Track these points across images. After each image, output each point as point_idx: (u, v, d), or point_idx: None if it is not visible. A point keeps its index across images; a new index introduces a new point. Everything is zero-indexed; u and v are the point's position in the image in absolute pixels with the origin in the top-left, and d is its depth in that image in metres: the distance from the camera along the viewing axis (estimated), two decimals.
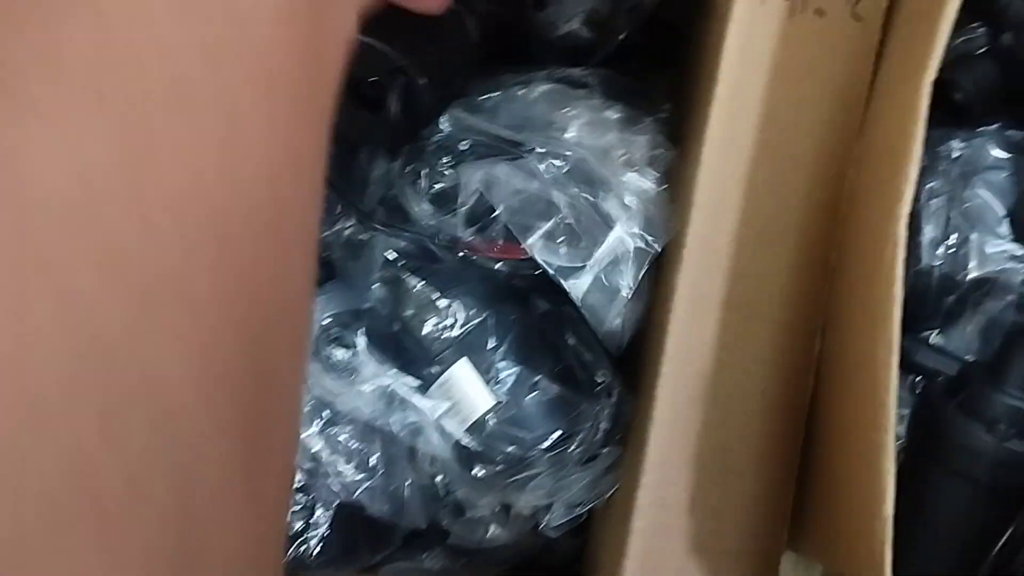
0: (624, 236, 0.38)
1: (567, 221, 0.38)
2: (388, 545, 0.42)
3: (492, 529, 0.42)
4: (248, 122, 0.19)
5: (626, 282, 0.39)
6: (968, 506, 0.36)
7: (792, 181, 0.43)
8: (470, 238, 0.39)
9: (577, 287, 0.38)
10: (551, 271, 0.39)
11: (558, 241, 0.38)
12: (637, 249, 0.39)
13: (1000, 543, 0.35)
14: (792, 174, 0.43)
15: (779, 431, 0.42)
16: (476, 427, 0.39)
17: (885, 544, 0.35)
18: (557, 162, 0.39)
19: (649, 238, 0.39)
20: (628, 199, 0.39)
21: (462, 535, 0.42)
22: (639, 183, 0.39)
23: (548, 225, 0.38)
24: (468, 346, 0.40)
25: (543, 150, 0.39)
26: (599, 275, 0.38)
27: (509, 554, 0.43)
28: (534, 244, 0.38)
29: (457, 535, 0.42)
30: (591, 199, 0.39)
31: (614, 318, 0.39)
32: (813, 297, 0.43)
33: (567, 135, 0.40)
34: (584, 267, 0.38)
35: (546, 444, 0.39)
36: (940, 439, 0.37)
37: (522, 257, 0.39)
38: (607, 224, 0.38)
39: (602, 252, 0.38)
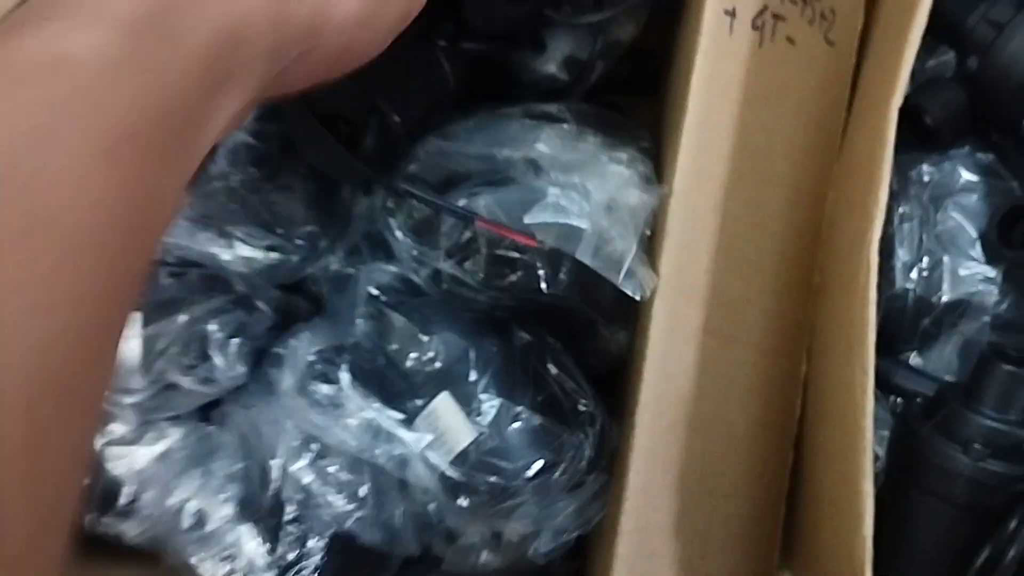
0: (617, 191, 0.39)
1: (557, 202, 0.39)
2: (383, 573, 0.43)
3: (484, 555, 0.42)
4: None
5: (629, 232, 0.39)
6: (947, 525, 0.37)
7: (769, 206, 0.44)
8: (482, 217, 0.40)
9: (582, 250, 0.39)
10: (551, 242, 0.39)
11: (552, 215, 0.39)
12: (633, 201, 0.40)
13: (978, 561, 0.36)
14: (769, 199, 0.44)
15: (766, 453, 0.42)
16: (460, 458, 0.40)
17: (865, 562, 0.36)
18: (533, 159, 0.40)
19: (642, 192, 0.40)
20: (613, 168, 0.40)
21: (455, 562, 0.42)
22: (620, 164, 0.41)
23: (537, 208, 0.39)
24: (451, 379, 0.41)
25: (518, 155, 0.40)
26: (600, 232, 0.39)
27: None
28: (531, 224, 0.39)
29: (450, 562, 0.43)
30: (572, 179, 0.40)
31: (626, 269, 0.39)
32: (796, 320, 0.43)
33: (540, 146, 0.41)
34: (583, 229, 0.39)
35: (530, 473, 0.39)
36: (918, 459, 0.37)
37: (534, 244, 0.40)
38: (593, 190, 0.39)
39: (596, 209, 0.39)
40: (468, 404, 0.41)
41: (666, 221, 0.41)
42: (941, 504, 0.37)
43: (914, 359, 0.41)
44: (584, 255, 0.39)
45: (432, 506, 0.41)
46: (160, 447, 0.45)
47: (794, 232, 0.44)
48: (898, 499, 0.38)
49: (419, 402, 0.41)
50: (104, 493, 0.44)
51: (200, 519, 0.43)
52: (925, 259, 0.40)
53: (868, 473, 0.36)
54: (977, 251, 0.40)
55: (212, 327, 0.43)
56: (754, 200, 0.44)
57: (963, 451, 0.36)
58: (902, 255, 0.40)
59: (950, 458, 0.36)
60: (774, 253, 0.44)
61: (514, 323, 0.42)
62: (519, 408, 0.40)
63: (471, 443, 0.40)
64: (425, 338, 0.42)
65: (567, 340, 0.43)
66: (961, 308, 0.40)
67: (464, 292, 0.42)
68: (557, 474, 0.40)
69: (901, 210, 0.41)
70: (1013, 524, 0.35)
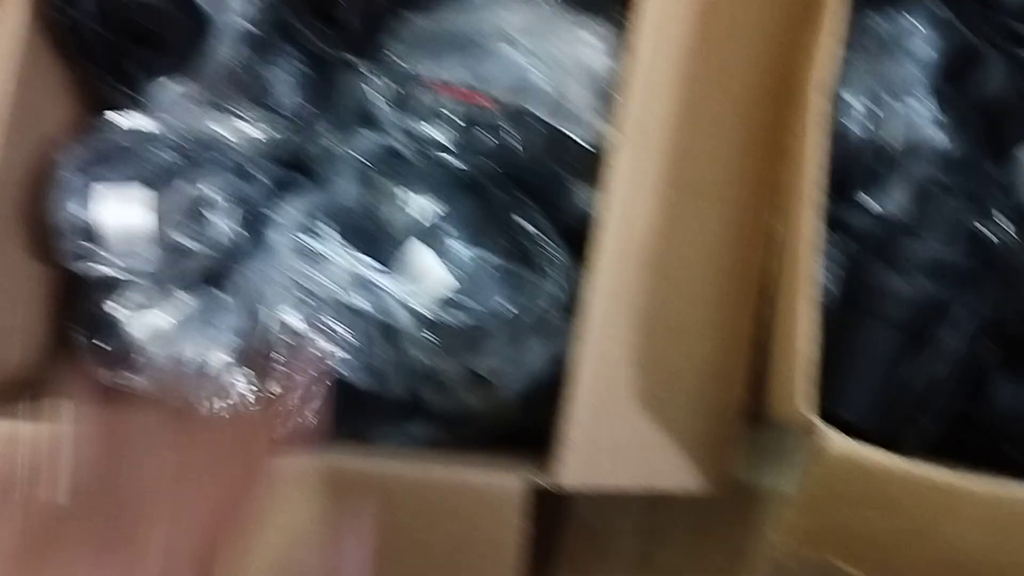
0: (581, 56, 0.42)
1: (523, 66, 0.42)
2: (373, 413, 0.46)
3: (465, 396, 0.45)
4: None
5: (590, 92, 0.42)
6: (888, 345, 0.39)
7: (735, 70, 0.46)
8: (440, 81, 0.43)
9: (545, 109, 0.42)
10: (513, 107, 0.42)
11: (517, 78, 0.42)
12: (596, 64, 0.42)
13: (913, 376, 0.38)
14: (735, 64, 0.46)
15: (730, 298, 0.45)
16: (437, 302, 0.43)
17: (810, 375, 0.38)
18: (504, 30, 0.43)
19: (606, 56, 0.42)
20: (579, 35, 0.42)
21: (438, 403, 0.46)
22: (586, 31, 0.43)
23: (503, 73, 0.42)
24: (431, 232, 0.44)
25: (491, 27, 0.43)
26: (562, 92, 0.42)
27: (491, 422, 0.47)
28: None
29: (436, 404, 0.46)
30: (540, 45, 0.42)
31: (585, 124, 0.42)
32: (761, 176, 0.45)
33: (511, 16, 0.44)
34: (546, 90, 0.42)
35: (499, 312, 0.43)
36: (864, 288, 0.40)
37: (486, 104, 0.42)
38: (559, 55, 0.42)
39: (560, 72, 0.41)
40: (445, 253, 0.44)
41: (630, 81, 0.43)
42: (885, 326, 0.39)
43: (865, 200, 0.43)
44: (546, 113, 0.42)
45: (413, 348, 0.44)
46: (170, 309, 0.49)
47: (761, 95, 0.46)
48: (847, 327, 0.40)
49: (401, 254, 0.44)
50: (120, 352, 0.49)
51: (203, 367, 0.47)
52: (878, 106, 0.42)
53: (814, 298, 0.38)
54: (928, 97, 0.42)
55: (213, 193, 0.47)
56: (719, 64, 0.45)
57: (904, 277, 0.38)
58: (855, 102, 0.42)
59: (891, 282, 0.38)
60: (740, 113, 0.46)
61: (489, 183, 0.45)
62: (490, 255, 0.43)
63: (447, 287, 0.43)
64: (407, 197, 0.45)
65: (539, 197, 0.46)
66: (911, 151, 0.42)
67: (444, 157, 0.45)
68: (525, 314, 0.43)
69: (855, 60, 0.42)
70: (945, 340, 0.37)
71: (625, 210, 0.43)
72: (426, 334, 0.44)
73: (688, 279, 0.44)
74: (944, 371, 0.37)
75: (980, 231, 0.38)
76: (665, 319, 0.43)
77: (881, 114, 0.42)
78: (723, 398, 0.45)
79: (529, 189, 0.45)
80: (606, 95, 0.44)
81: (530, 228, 0.44)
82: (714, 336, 0.44)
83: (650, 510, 0.58)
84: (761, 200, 0.46)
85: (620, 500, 0.57)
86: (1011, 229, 0.38)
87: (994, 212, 0.39)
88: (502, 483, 0.39)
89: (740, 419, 0.45)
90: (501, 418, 0.46)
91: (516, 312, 0.43)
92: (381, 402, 0.46)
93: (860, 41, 0.43)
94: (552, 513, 0.56)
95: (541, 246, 0.44)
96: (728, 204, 0.45)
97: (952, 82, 0.42)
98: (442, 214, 0.44)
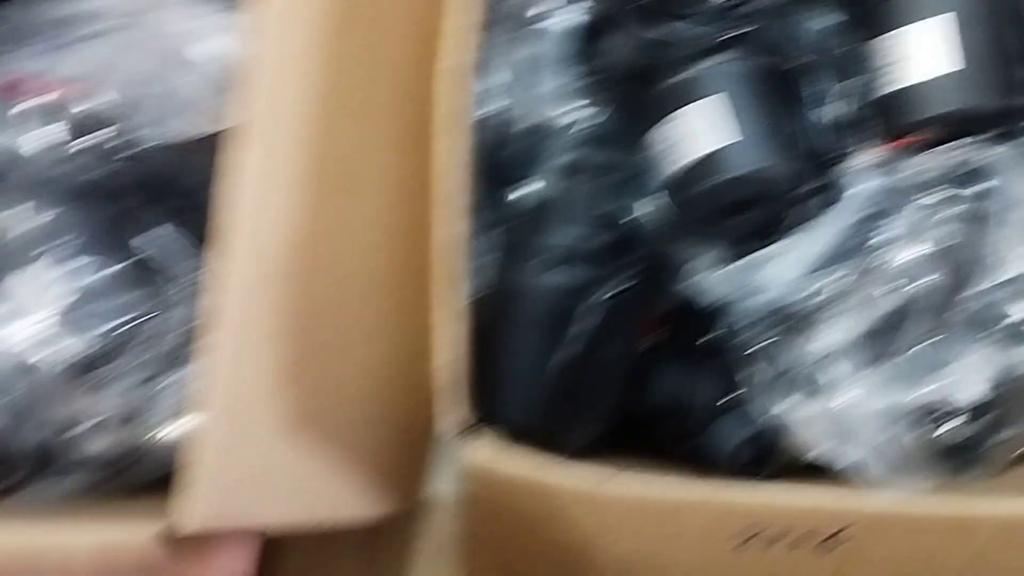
0: (185, 39, 0.38)
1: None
2: (15, 469, 0.40)
3: (101, 443, 0.40)
4: None
5: (199, 78, 0.39)
6: (532, 342, 0.37)
7: (383, 55, 0.43)
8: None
9: (152, 96, 0.38)
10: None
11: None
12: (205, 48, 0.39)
13: (562, 370, 0.36)
14: (382, 49, 0.42)
15: (397, 304, 0.41)
16: (51, 332, 0.38)
17: (450, 386, 0.35)
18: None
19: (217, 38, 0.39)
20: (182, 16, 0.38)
21: (73, 452, 0.40)
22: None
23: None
24: (42, 245, 0.39)
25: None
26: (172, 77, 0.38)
27: (156, 466, 0.41)
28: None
29: (69, 453, 0.40)
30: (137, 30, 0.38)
31: (197, 115, 0.39)
32: (415, 173, 0.42)
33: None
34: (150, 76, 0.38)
35: (121, 341, 0.37)
36: (507, 284, 0.37)
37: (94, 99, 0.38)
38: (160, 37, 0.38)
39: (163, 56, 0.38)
40: (59, 269, 0.38)
41: (259, 67, 0.39)
42: (525, 322, 0.37)
43: (516, 191, 0.40)
44: (163, 107, 0.38)
45: (29, 389, 0.38)
46: None
47: (416, 83, 0.42)
48: (495, 327, 0.37)
49: (7, 278, 0.38)
50: None
51: None
52: (521, 88, 0.40)
53: (453, 302, 0.35)
54: (569, 76, 0.40)
55: None
56: (363, 49, 0.42)
57: (540, 265, 0.36)
58: (498, 85, 0.40)
59: (529, 274, 0.36)
60: (394, 102, 0.42)
61: (107, 188, 0.40)
62: (111, 272, 0.38)
63: (59, 311, 0.38)
64: (14, 213, 0.39)
65: (166, 200, 0.41)
66: (554, 133, 0.40)
67: (53, 164, 0.40)
68: (155, 338, 0.38)
69: (491, 40, 0.40)
70: (586, 330, 0.35)
71: (260, 211, 0.38)
72: (42, 370, 0.38)
73: (345, 286, 0.40)
74: (591, 363, 0.35)
75: (622, 212, 0.37)
76: (319, 330, 0.39)
77: (525, 96, 0.39)
78: (400, 413, 0.41)
79: (154, 192, 0.40)
80: (228, 83, 0.40)
81: (158, 241, 0.39)
82: (383, 347, 0.41)
83: (372, 537, 0.54)
84: (414, 196, 0.42)
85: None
86: (652, 209, 0.37)
87: (637, 193, 0.37)
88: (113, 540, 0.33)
89: (425, 435, 0.42)
90: (146, 461, 0.41)
91: (145, 336, 0.38)
92: (17, 455, 0.40)
93: (499, 21, 0.40)
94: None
95: (171, 263, 0.39)
96: (388, 204, 0.42)
97: (593, 56, 0.40)
98: (54, 229, 0.39)
